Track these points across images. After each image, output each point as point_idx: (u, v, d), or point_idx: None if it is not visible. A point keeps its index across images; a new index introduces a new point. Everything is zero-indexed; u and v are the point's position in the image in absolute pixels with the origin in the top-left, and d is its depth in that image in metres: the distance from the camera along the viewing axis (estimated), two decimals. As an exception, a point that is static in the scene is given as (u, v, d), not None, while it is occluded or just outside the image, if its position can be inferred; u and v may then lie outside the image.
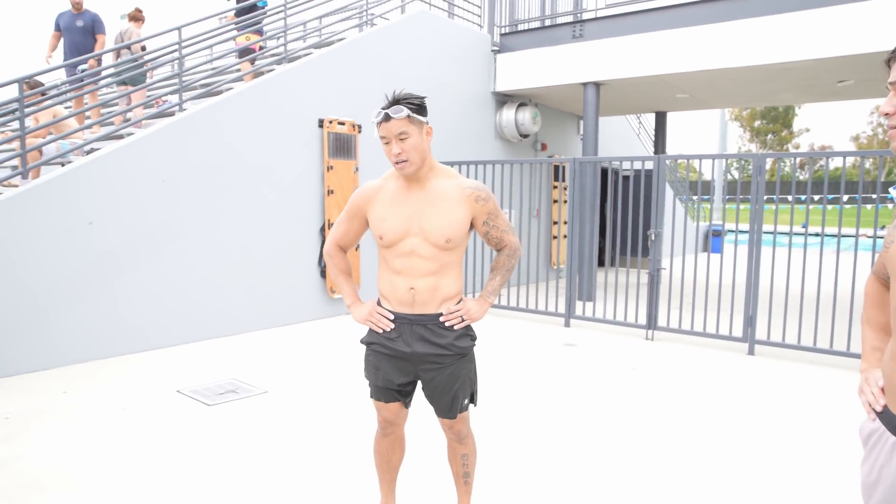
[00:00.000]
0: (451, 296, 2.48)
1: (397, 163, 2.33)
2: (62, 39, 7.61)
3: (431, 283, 2.42)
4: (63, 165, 5.84)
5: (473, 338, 2.58)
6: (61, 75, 8.38)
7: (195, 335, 6.31)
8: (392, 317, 2.46)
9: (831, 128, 70.10)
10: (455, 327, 2.45)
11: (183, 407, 4.41)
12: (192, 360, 5.65)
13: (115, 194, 5.67)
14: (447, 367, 2.49)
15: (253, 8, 7.95)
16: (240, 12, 7.92)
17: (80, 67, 7.28)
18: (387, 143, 2.33)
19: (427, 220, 2.38)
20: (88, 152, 6.12)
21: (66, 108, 7.71)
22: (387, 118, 2.29)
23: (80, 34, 7.47)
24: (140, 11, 8.00)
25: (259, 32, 7.95)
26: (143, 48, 7.63)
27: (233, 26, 7.60)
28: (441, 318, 2.43)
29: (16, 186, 5.44)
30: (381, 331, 2.48)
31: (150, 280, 5.95)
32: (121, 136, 6.42)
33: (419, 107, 2.33)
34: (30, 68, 7.03)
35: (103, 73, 6.82)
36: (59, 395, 4.61)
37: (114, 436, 3.87)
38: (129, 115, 7.02)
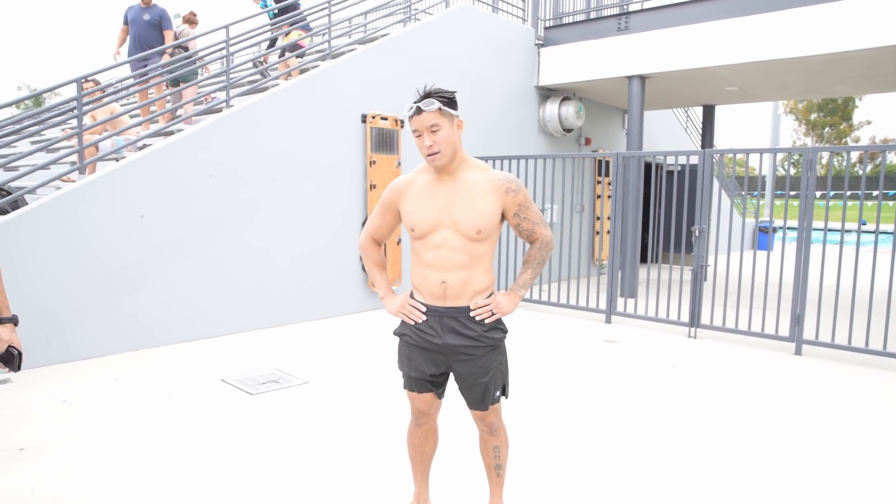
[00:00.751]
0: (482, 289, 2.50)
1: (429, 155, 2.37)
2: (129, 32, 7.63)
3: (463, 277, 2.44)
4: (117, 161, 6.07)
5: (504, 330, 2.60)
6: (124, 71, 8.67)
7: (240, 326, 6.49)
8: (424, 309, 2.49)
9: (894, 120, 67.03)
10: (485, 321, 2.47)
11: (226, 395, 4.56)
12: (237, 351, 5.81)
13: (165, 188, 5.88)
14: (478, 359, 2.52)
15: (293, 7, 8.10)
16: (281, 11, 8.07)
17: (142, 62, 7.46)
18: (418, 136, 2.37)
19: (458, 212, 2.41)
20: (141, 148, 6.34)
21: (121, 105, 8.02)
22: (418, 111, 2.34)
23: (146, 28, 7.49)
24: (194, 15, 8.27)
25: (306, 29, 8.08)
26: (187, 48, 7.84)
27: (278, 24, 7.75)
28: (471, 313, 2.45)
29: (73, 182, 5.68)
30: (413, 323, 2.52)
31: (198, 272, 6.14)
32: (171, 133, 6.63)
33: (450, 100, 2.37)
34: (89, 66, 7.27)
35: (156, 71, 7.01)
36: (111, 381, 4.82)
37: (160, 421, 4.03)
38: (178, 111, 7.25)
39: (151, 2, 7.61)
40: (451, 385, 2.65)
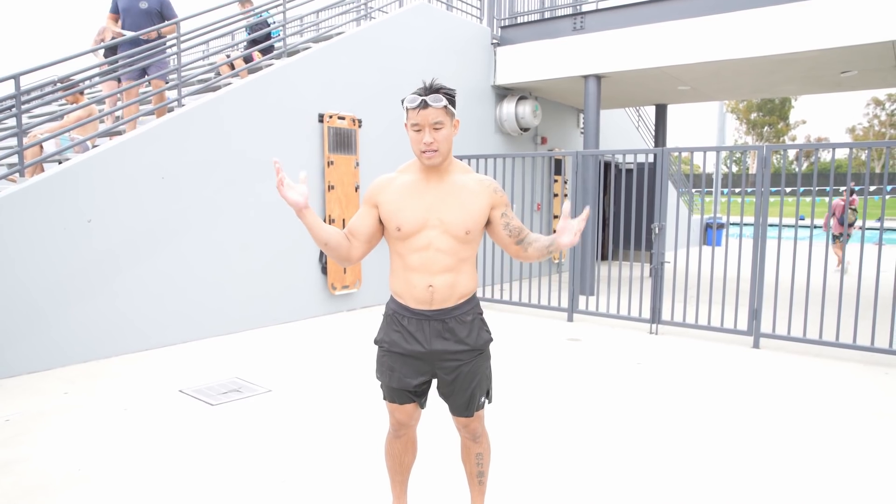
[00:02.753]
0: (467, 293, 2.44)
1: (426, 152, 2.28)
2: (121, 22, 6.62)
3: (450, 280, 2.37)
4: (61, 163, 5.76)
5: (490, 332, 2.54)
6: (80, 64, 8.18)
7: (196, 333, 6.25)
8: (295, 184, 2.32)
9: (828, 120, 70.24)
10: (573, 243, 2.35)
11: (186, 407, 4.35)
12: (194, 359, 5.58)
13: (113, 192, 5.60)
14: (466, 364, 2.45)
15: (267, 37, 7.88)
16: (253, 43, 7.84)
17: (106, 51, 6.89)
18: (418, 131, 2.28)
19: (446, 212, 2.34)
20: (89, 149, 6.03)
21: (59, 105, 7.62)
22: (424, 105, 2.24)
23: (142, 17, 6.48)
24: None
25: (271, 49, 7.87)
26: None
27: (238, 18, 7.49)
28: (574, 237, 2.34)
29: (14, 183, 5.35)
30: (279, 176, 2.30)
31: (151, 278, 5.87)
32: (119, 133, 6.34)
33: (453, 99, 2.31)
34: (28, 63, 6.70)
35: (99, 68, 6.63)
36: (60, 396, 4.54)
37: (117, 437, 3.81)
38: (123, 112, 6.91)
39: None
40: (431, 391, 2.56)
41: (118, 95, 6.80)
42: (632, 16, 8.65)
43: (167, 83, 6.64)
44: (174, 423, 4.04)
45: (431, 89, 2.27)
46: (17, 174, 5.38)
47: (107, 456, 3.53)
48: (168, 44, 6.61)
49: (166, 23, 6.47)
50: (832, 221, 11.40)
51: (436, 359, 2.44)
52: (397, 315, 2.47)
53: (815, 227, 15.37)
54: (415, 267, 2.37)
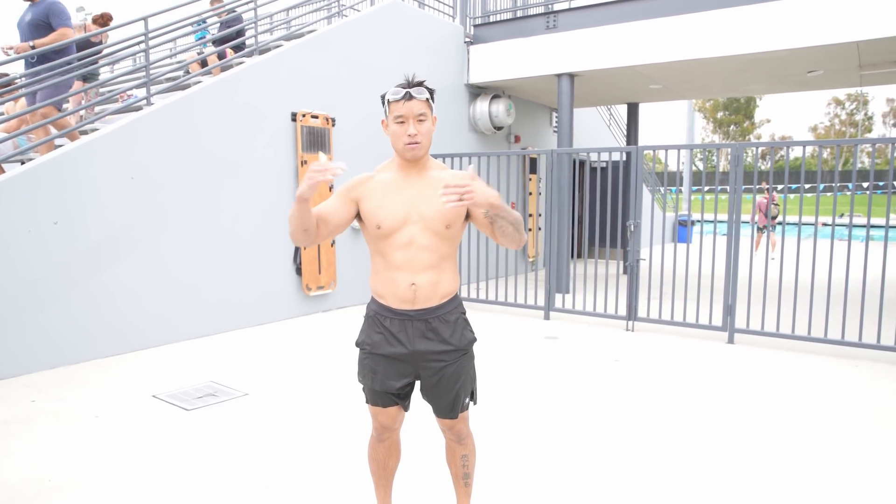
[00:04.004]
0: (449, 292, 2.42)
1: (409, 144, 2.26)
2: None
3: (432, 278, 2.34)
4: (23, 163, 5.57)
5: (473, 332, 2.52)
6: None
7: (169, 337, 6.10)
8: (345, 166, 2.06)
9: (791, 119, 71.88)
10: (448, 204, 2.05)
11: (160, 412, 4.24)
12: (168, 363, 5.45)
13: (81, 193, 5.43)
14: (450, 365, 2.41)
15: (241, 32, 7.69)
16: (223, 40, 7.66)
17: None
18: (401, 123, 2.26)
19: (426, 206, 2.31)
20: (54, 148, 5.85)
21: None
22: (409, 97, 2.24)
23: (28, 31, 5.79)
24: (109, 19, 7.44)
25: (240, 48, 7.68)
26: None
27: (208, 14, 7.34)
28: (440, 192, 2.07)
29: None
30: (328, 177, 2.07)
31: (121, 281, 5.72)
32: (84, 133, 6.15)
33: (432, 94, 2.33)
34: None
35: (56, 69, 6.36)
36: (27, 404, 4.39)
37: (89, 445, 3.68)
38: (87, 111, 6.73)
39: None
40: (415, 393, 2.52)
41: (82, 94, 6.62)
42: (604, 15, 8.70)
43: (61, 109, 5.93)
44: (148, 430, 3.93)
45: (414, 83, 2.27)
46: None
47: (78, 465, 3.41)
48: (136, 41, 6.43)
49: (51, 36, 5.74)
50: (758, 215, 13.26)
51: (419, 360, 2.40)
52: (379, 316, 2.43)
53: (789, 224, 15.76)
54: (398, 265, 2.33)
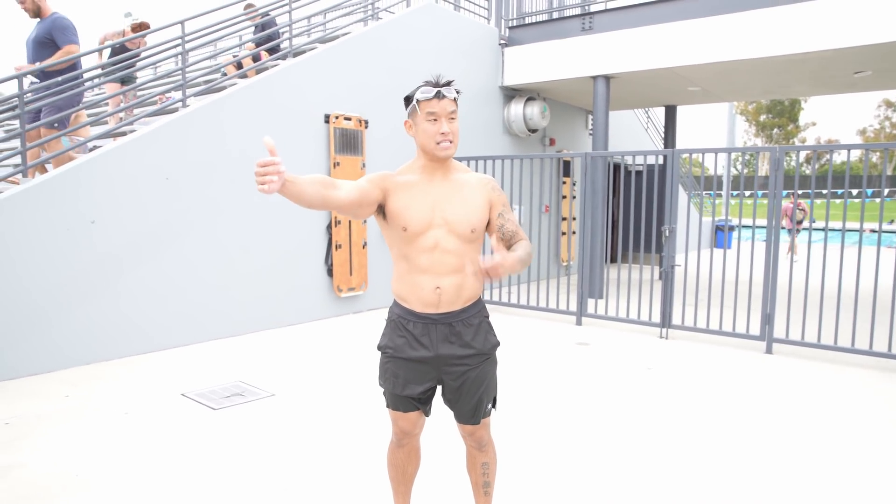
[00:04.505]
0: (473, 295, 2.39)
1: (442, 142, 2.23)
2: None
3: (457, 282, 2.30)
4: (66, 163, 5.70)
5: (497, 337, 2.47)
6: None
7: (200, 336, 6.18)
8: (279, 160, 1.82)
9: (838, 122, 69.71)
10: (481, 280, 2.12)
11: (188, 411, 4.28)
12: (197, 362, 5.52)
13: (117, 193, 5.54)
14: (473, 370, 2.37)
15: (275, 36, 7.75)
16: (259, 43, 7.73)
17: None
18: (433, 121, 2.23)
19: (451, 210, 2.29)
20: (91, 150, 5.98)
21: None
22: (441, 95, 2.22)
23: (33, 49, 5.62)
24: (148, 27, 7.53)
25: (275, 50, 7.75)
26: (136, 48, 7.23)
27: (242, 18, 7.43)
28: (470, 270, 2.11)
29: (17, 185, 5.31)
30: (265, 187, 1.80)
31: (154, 280, 5.82)
32: (122, 134, 6.28)
33: (458, 94, 2.30)
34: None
35: (95, 73, 6.49)
36: (61, 399, 4.48)
37: (117, 441, 3.74)
38: (126, 113, 6.88)
39: (42, 10, 5.61)
40: (436, 398, 2.48)
41: (121, 96, 6.76)
42: (641, 16, 8.54)
43: (60, 126, 5.65)
44: (175, 428, 3.97)
45: (443, 82, 2.25)
46: (20, 175, 5.33)
47: (106, 461, 3.46)
48: (172, 44, 6.54)
49: (56, 55, 5.55)
50: (784, 220, 14.11)
51: (442, 364, 2.36)
52: (402, 319, 2.40)
53: (831, 230, 15.46)
54: (423, 269, 2.30)
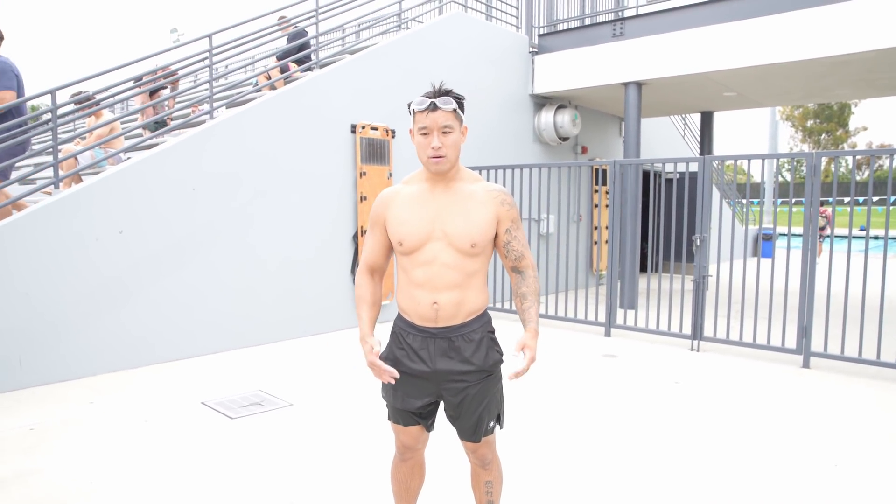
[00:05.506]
0: (476, 309, 2.30)
1: (433, 157, 2.17)
2: None
3: (456, 297, 2.23)
4: (96, 174, 5.85)
5: (501, 353, 2.38)
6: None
7: (223, 345, 6.24)
8: (396, 374, 2.23)
9: (891, 125, 67.17)
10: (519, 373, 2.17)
11: (206, 419, 4.31)
12: (219, 371, 5.56)
13: (145, 203, 5.65)
14: (473, 386, 2.30)
15: (305, 46, 7.85)
16: (288, 54, 7.83)
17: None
18: (425, 135, 2.17)
19: (451, 223, 2.21)
20: (122, 160, 6.12)
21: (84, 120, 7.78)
22: (433, 108, 2.14)
23: None
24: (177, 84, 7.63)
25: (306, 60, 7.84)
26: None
27: (274, 29, 7.54)
28: (510, 378, 2.16)
29: (49, 195, 5.46)
30: (388, 380, 2.25)
31: (179, 289, 5.90)
32: (152, 145, 6.41)
33: (461, 104, 2.22)
34: (68, 77, 6.78)
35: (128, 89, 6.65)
36: (85, 406, 4.56)
37: (134, 449, 3.77)
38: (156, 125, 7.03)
39: None
40: (440, 414, 2.42)
41: (151, 108, 6.91)
42: (673, 21, 8.37)
43: (8, 177, 5.31)
44: (191, 437, 3.99)
45: (440, 92, 2.16)
46: (53, 186, 5.48)
47: (121, 469, 3.49)
48: (200, 57, 6.66)
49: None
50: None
51: (441, 379, 2.30)
52: (402, 332, 2.36)
53: (874, 237, 15.01)
54: (420, 283, 2.24)
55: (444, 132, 2.16)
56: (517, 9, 10.09)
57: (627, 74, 8.81)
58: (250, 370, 5.59)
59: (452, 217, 2.22)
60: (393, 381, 2.22)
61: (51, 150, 5.58)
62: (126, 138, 7.01)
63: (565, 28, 9.79)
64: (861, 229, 22.12)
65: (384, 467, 3.44)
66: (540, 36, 9.91)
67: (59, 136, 5.62)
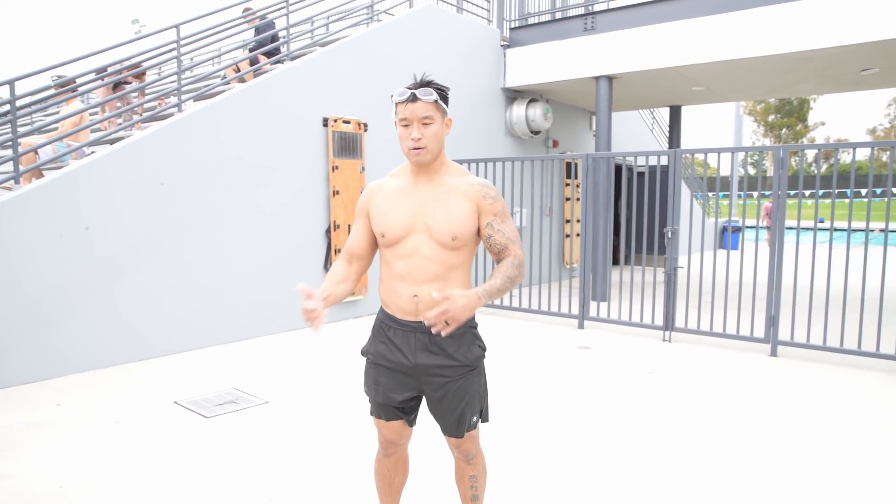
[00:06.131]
0: None
1: (414, 149, 2.14)
2: None
3: (438, 290, 2.20)
4: (60, 168, 5.68)
5: (483, 348, 2.37)
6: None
7: (196, 342, 6.13)
8: (318, 309, 2.10)
9: (847, 121, 69.13)
10: (442, 333, 2.00)
11: (180, 419, 4.22)
12: (192, 369, 5.46)
13: (112, 198, 5.50)
14: (454, 382, 2.27)
15: (275, 38, 7.71)
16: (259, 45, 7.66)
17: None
18: (405, 126, 2.15)
19: (432, 215, 2.19)
20: (85, 155, 5.95)
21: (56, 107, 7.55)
22: (413, 98, 2.11)
23: None
24: (144, 75, 7.48)
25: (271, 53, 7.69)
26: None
27: (239, 22, 7.39)
28: (427, 323, 1.99)
29: (9, 190, 5.27)
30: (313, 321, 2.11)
31: (150, 286, 5.77)
32: (118, 139, 6.24)
33: (444, 95, 2.18)
34: (27, 68, 6.49)
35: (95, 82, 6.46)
36: (53, 408, 4.43)
37: (106, 452, 3.68)
38: (122, 118, 6.85)
39: None
40: (423, 408, 2.40)
41: (116, 101, 6.73)
42: (643, 15, 8.44)
43: None
44: (164, 437, 3.90)
45: (422, 83, 2.14)
46: (13, 182, 5.30)
47: (92, 472, 3.40)
48: (168, 48, 6.52)
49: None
50: (765, 219, 15.67)
51: (422, 373, 2.28)
52: (384, 325, 2.34)
53: (836, 230, 15.35)
54: (401, 275, 2.22)
55: (425, 123, 2.13)
56: (489, 1, 10.07)
57: (599, 68, 8.87)
58: (223, 368, 5.49)
59: (434, 210, 2.20)
60: (313, 321, 2.09)
61: (10, 143, 5.39)
62: (91, 131, 6.81)
63: (537, 22, 9.82)
64: (821, 221, 22.75)
65: (365, 464, 3.41)
66: (511, 29, 9.92)
67: (18, 128, 5.43)
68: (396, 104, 2.16)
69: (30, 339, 5.01)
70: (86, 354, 5.35)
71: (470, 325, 2.35)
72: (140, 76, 7.28)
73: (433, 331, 1.99)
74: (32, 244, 5.02)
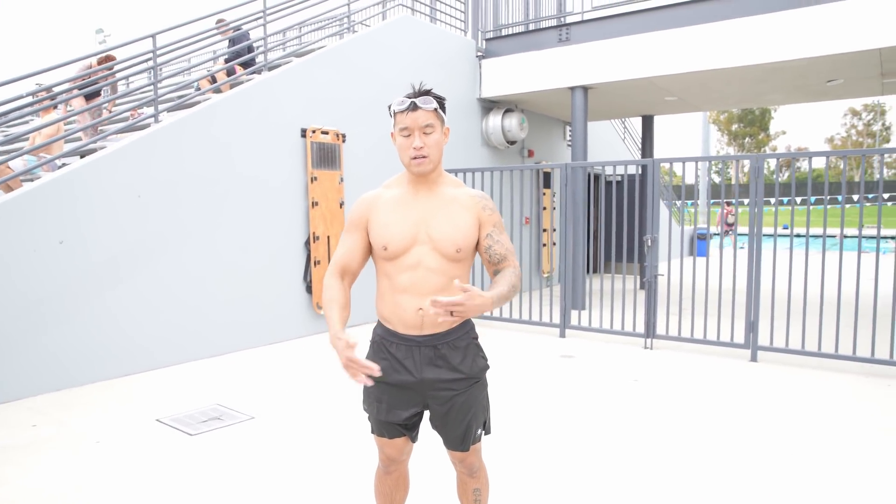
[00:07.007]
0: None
1: (416, 158, 2.11)
2: None
3: None
4: (32, 181, 5.51)
5: (486, 359, 2.35)
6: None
7: (176, 358, 5.98)
8: (377, 369, 2.03)
9: (807, 130, 71.21)
10: (439, 319, 1.94)
11: (163, 437, 4.10)
12: (173, 385, 5.33)
13: (87, 211, 5.35)
14: (460, 395, 2.25)
15: (251, 49, 7.63)
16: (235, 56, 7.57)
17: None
18: (407, 136, 2.12)
19: (435, 227, 2.16)
20: (59, 167, 5.79)
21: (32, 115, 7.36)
22: (414, 107, 2.08)
23: None
24: (113, 59, 7.27)
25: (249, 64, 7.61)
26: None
27: (213, 33, 7.30)
28: (431, 303, 1.92)
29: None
30: (365, 382, 2.08)
31: (126, 301, 5.62)
32: (91, 151, 6.10)
33: (443, 104, 2.17)
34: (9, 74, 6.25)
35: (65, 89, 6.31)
36: (27, 429, 4.27)
37: (87, 473, 3.55)
38: (93, 129, 6.70)
39: None
40: (424, 422, 2.37)
41: (91, 112, 6.58)
42: (617, 27, 8.57)
43: None
44: (149, 457, 3.79)
45: (421, 92, 2.12)
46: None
47: (74, 496, 3.27)
48: (144, 58, 6.40)
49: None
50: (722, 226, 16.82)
51: (427, 388, 2.24)
52: (385, 341, 2.29)
53: (812, 236, 15.71)
54: (404, 288, 2.18)
55: (426, 132, 2.11)
56: (464, 13, 10.13)
57: (573, 79, 8.96)
58: (206, 383, 5.37)
59: (437, 221, 2.18)
60: (371, 382, 2.07)
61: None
62: (66, 142, 6.64)
63: (512, 33, 9.89)
64: (784, 227, 23.29)
65: (357, 480, 3.36)
66: (487, 40, 9.98)
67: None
68: (396, 114, 2.14)
69: (2, 358, 4.83)
70: (62, 372, 5.18)
71: (472, 337, 2.33)
72: (107, 59, 7.02)
73: (432, 312, 1.91)
74: (5, 259, 4.86)
